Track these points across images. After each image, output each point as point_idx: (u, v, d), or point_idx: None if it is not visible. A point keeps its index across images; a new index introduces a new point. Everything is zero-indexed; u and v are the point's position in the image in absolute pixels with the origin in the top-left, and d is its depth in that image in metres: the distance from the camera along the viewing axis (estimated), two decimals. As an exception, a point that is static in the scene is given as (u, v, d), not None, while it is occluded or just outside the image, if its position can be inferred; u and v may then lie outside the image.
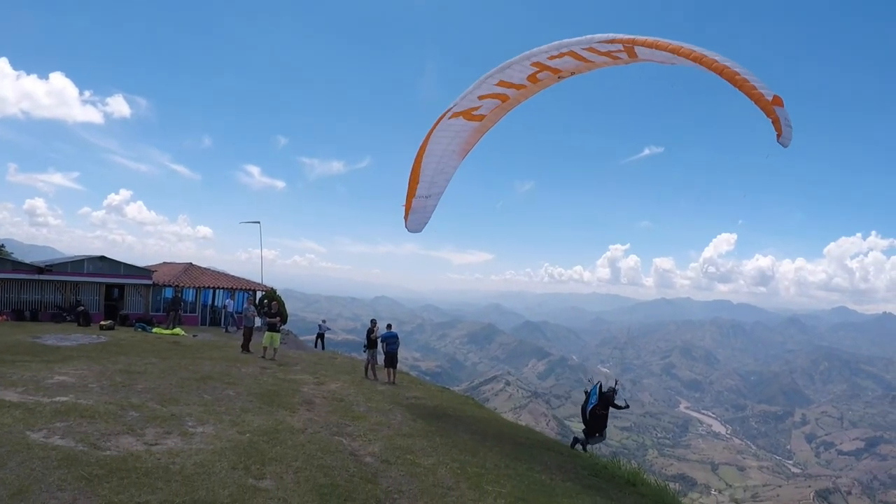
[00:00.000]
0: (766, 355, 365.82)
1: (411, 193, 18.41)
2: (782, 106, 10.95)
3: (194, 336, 37.63)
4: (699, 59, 11.74)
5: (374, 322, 29.08)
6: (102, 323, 37.71)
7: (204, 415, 15.44)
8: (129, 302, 44.82)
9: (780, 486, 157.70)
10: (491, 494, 12.33)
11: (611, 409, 19.88)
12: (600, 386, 19.79)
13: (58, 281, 42.17)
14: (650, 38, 12.56)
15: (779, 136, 11.03)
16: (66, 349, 25.22)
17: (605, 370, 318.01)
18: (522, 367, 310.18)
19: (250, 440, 13.53)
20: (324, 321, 47.96)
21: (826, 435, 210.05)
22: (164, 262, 56.44)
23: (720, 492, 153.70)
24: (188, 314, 46.92)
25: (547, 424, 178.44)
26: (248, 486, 10.40)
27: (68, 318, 40.57)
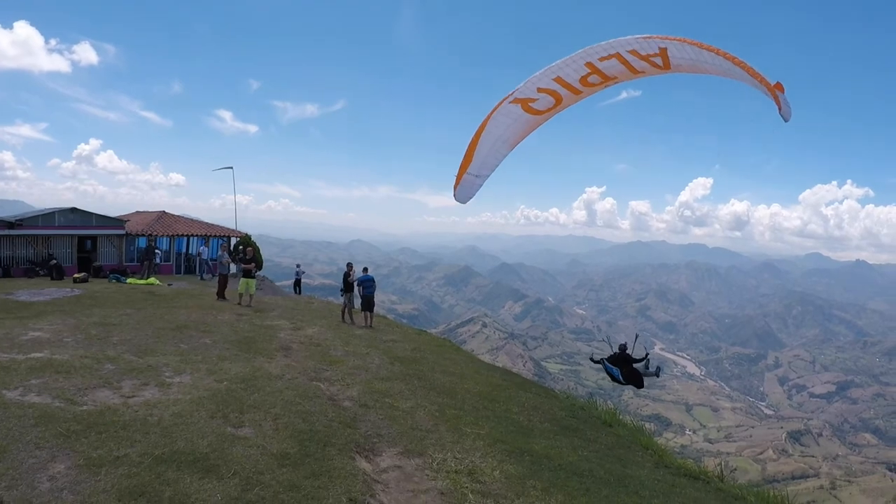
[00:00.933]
0: (741, 299, 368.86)
1: (464, 168, 18.45)
2: (783, 91, 12.49)
3: (169, 285, 37.35)
4: (724, 55, 12.97)
5: (350, 266, 28.98)
6: (76, 276, 37.16)
7: (181, 364, 15.33)
8: (102, 253, 44.30)
9: (752, 427, 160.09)
10: (469, 436, 12.46)
11: (635, 364, 19.03)
12: (614, 355, 18.97)
13: (29, 235, 41.29)
14: (678, 38, 13.48)
15: (780, 110, 12.58)
16: (39, 304, 24.87)
17: (580, 311, 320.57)
18: (499, 308, 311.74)
19: (228, 388, 13.48)
20: (299, 266, 47.80)
21: (798, 378, 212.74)
22: (137, 212, 55.72)
23: (694, 432, 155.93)
24: (162, 263, 46.63)
25: (524, 365, 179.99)
26: (226, 435, 10.39)
27: (41, 272, 39.86)
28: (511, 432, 13.45)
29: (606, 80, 15.47)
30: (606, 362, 18.68)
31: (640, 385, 18.72)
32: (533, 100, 16.23)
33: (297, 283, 45.73)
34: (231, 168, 53.87)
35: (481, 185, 19.44)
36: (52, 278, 37.79)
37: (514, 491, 9.77)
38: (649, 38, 13.77)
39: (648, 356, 19.39)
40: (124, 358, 15.51)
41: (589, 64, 15.03)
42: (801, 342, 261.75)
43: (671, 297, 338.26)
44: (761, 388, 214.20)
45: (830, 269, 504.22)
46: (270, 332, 21.79)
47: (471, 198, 19.46)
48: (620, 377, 18.44)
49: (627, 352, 18.67)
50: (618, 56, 14.51)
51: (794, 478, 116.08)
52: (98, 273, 41.31)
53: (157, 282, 38.31)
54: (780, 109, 12.67)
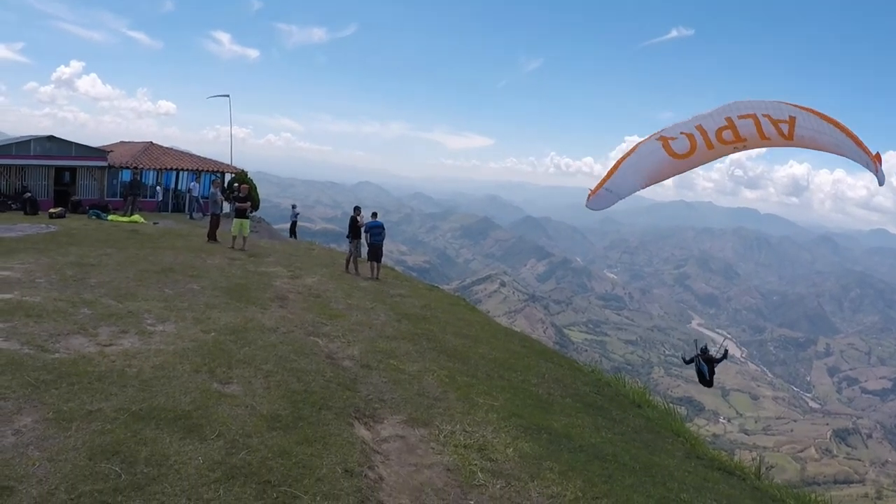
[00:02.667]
0: (792, 274, 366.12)
1: (602, 182, 19.24)
2: (881, 162, 14.30)
3: (155, 223, 37.44)
4: (841, 127, 14.40)
5: (358, 209, 28.81)
6: (52, 210, 37.16)
7: (164, 311, 15.33)
8: (81, 187, 44.19)
9: (795, 421, 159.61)
10: (482, 407, 12.45)
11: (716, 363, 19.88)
12: (699, 355, 19.85)
13: (1, 165, 41.39)
14: (806, 108, 14.90)
15: (878, 180, 14.45)
16: (10, 241, 24.75)
17: (611, 276, 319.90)
18: (520, 266, 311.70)
19: (216, 340, 13.50)
20: (294, 206, 47.72)
21: (851, 370, 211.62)
22: (122, 142, 55.64)
23: (729, 420, 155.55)
24: (148, 199, 46.60)
25: (544, 332, 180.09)
26: (212, 392, 10.41)
27: (13, 206, 39.62)
28: (528, 406, 13.45)
29: (738, 139, 16.44)
30: (701, 360, 19.32)
31: (711, 384, 20.02)
32: (672, 139, 17.32)
33: (293, 227, 45.82)
34: (227, 96, 53.63)
35: (613, 203, 20.38)
36: (26, 213, 37.82)
37: (528, 472, 9.77)
38: (780, 103, 15.01)
39: (727, 355, 20.48)
40: (102, 302, 15.47)
41: (728, 119, 16.04)
42: (857, 329, 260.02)
43: (714, 267, 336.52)
44: (808, 378, 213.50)
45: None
46: (265, 280, 21.89)
47: (601, 209, 20.55)
48: (708, 376, 19.09)
49: (710, 353, 19.68)
50: (754, 117, 15.58)
51: (836, 482, 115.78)
52: (76, 208, 41.25)
53: (142, 219, 38.35)
54: (878, 180, 14.33)
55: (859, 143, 14.10)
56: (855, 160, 14.60)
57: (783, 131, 15.30)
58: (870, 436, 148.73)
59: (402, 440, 10.24)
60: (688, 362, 20.70)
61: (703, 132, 16.79)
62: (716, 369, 19.56)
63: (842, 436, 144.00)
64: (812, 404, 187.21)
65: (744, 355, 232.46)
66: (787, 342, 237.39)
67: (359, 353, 14.56)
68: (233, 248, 29.04)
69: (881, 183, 14.31)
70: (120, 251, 24.08)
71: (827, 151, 15.29)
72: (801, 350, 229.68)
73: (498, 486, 9.08)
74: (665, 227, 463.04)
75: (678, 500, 10.18)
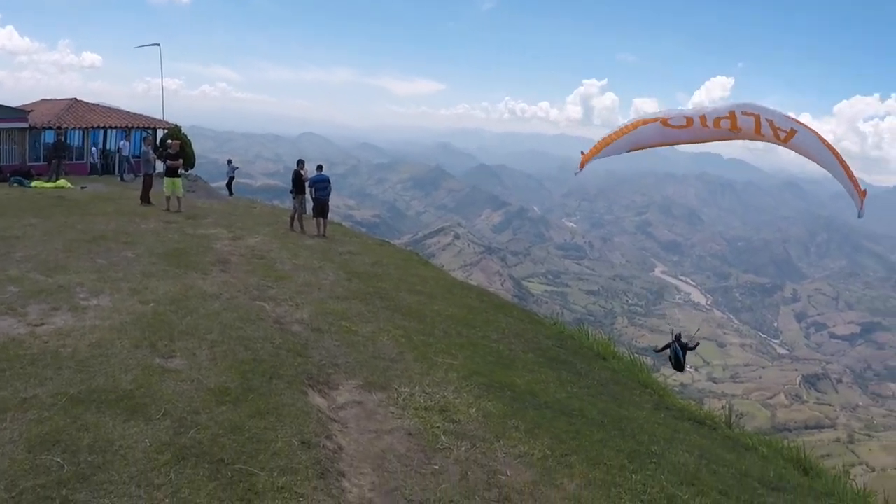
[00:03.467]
0: (757, 220, 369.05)
1: (596, 151, 19.13)
2: (865, 197, 15.73)
3: (83, 188, 36.76)
4: (836, 155, 16.00)
5: (301, 163, 28.68)
6: (-33, 180, 36.49)
7: (98, 283, 15.05)
8: (0, 152, 43.37)
9: (763, 368, 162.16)
10: (441, 367, 12.50)
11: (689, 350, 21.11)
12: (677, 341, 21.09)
13: None
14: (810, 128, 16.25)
15: (859, 213, 15.65)
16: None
17: (570, 224, 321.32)
18: (474, 217, 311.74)
19: (155, 311, 13.32)
20: (231, 161, 47.08)
21: (818, 315, 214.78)
22: (43, 100, 54.42)
23: (696, 369, 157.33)
24: (74, 162, 45.76)
25: (502, 285, 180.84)
26: (155, 368, 10.28)
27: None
28: (489, 363, 13.51)
29: (734, 128, 17.19)
30: (677, 344, 20.23)
31: (683, 370, 21.27)
32: (671, 118, 17.98)
33: (230, 184, 45.36)
34: (158, 45, 52.64)
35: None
36: (-63, 182, 36.91)
37: (493, 432, 9.82)
38: (787, 117, 16.05)
39: (695, 347, 22.59)
40: (30, 277, 15.13)
41: (732, 112, 16.88)
42: (824, 274, 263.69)
43: (677, 213, 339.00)
44: (775, 324, 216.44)
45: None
46: (205, 243, 21.67)
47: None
48: (683, 360, 19.96)
49: (683, 340, 20.55)
50: (756, 117, 16.48)
51: (807, 427, 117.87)
52: (-6, 176, 40.29)
53: (69, 184, 37.63)
54: (858, 214, 15.70)
55: (851, 176, 15.72)
56: (842, 185, 15.98)
57: (780, 136, 16.19)
58: (839, 381, 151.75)
59: (360, 406, 10.25)
60: (659, 350, 21.72)
61: (703, 118, 17.45)
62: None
63: (811, 381, 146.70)
64: (780, 350, 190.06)
65: (709, 302, 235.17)
66: (753, 288, 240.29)
67: (308, 317, 14.51)
68: (168, 210, 28.64)
69: (860, 216, 15.58)
70: (46, 220, 23.38)
71: (816, 163, 16.47)
72: (768, 296, 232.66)
73: (463, 449, 9.13)
74: (625, 173, 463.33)
75: (649, 453, 10.28)
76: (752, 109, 16.56)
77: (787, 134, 16.04)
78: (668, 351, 20.51)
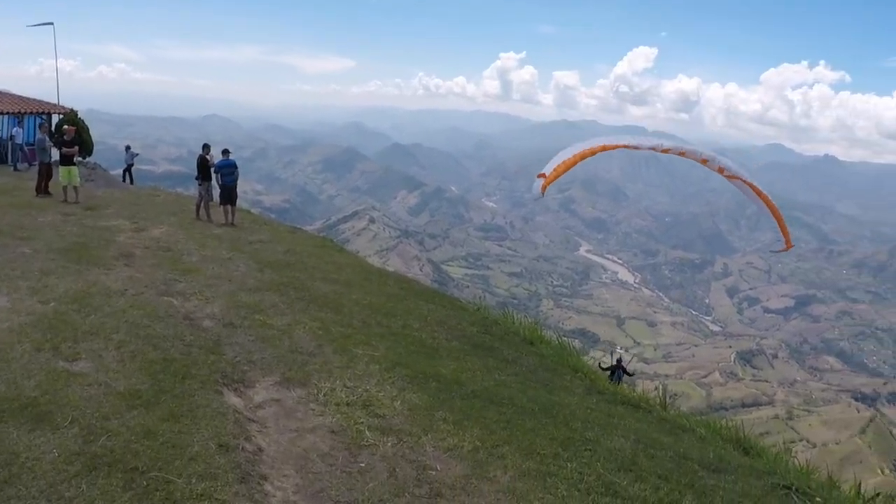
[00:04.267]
0: (685, 194, 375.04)
1: (553, 178, 21.48)
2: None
3: (-29, 179, 36.13)
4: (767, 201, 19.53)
5: (206, 147, 28.36)
6: None
7: (-8, 282, 14.75)
8: None
9: (696, 346, 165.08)
10: (362, 359, 12.47)
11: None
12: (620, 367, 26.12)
13: None
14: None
15: (788, 248, 19.52)
16: None
17: (490, 204, 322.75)
18: (390, 200, 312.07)
19: (56, 311, 13.04)
20: (129, 147, 46.32)
21: (751, 289, 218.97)
22: (-76, 85, 53.27)
23: (627, 350, 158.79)
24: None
25: (421, 269, 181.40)
26: (59, 372, 10.08)
27: None
28: (412, 353, 13.55)
29: (664, 150, 20.86)
30: (620, 370, 25.45)
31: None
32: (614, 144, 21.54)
33: (128, 170, 44.69)
34: (52, 24, 51.77)
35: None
36: None
37: (419, 425, 9.84)
38: (723, 171, 19.87)
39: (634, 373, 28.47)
40: (-85, 278, 14.77)
41: (665, 149, 20.75)
42: (756, 248, 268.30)
43: (601, 189, 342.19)
44: (707, 301, 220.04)
45: (793, 163, 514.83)
46: (107, 236, 21.32)
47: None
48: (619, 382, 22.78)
49: (624, 365, 26.15)
50: (685, 153, 20.15)
51: (744, 405, 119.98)
52: None
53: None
54: (785, 246, 19.24)
55: (782, 226, 19.01)
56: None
57: (712, 168, 19.42)
58: (775, 356, 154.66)
59: (279, 404, 10.21)
60: (604, 370, 24.69)
61: (636, 146, 20.47)
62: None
63: (746, 358, 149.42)
64: (713, 327, 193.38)
65: (637, 281, 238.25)
66: (682, 264, 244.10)
67: (220, 311, 14.39)
68: (66, 201, 28.14)
69: (773, 251, 18.12)
70: (-68, 216, 23.02)
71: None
72: (698, 272, 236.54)
73: (389, 444, 9.15)
74: (546, 150, 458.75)
75: (583, 440, 10.38)
76: (685, 150, 19.37)
77: (717, 171, 19.24)
78: (608, 373, 23.84)
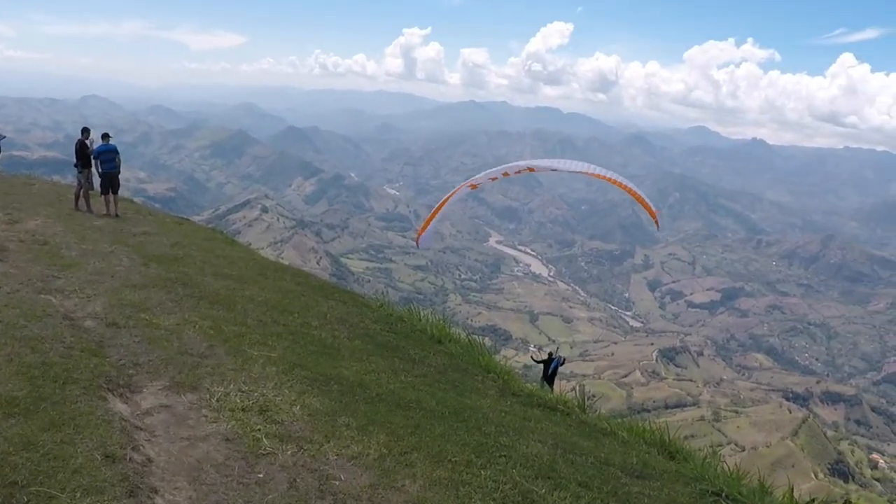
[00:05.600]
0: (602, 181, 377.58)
1: (428, 222, 24.65)
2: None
3: None
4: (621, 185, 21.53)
5: (86, 132, 27.97)
6: None
7: None
8: None
9: (615, 343, 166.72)
10: (258, 361, 12.42)
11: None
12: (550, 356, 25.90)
13: None
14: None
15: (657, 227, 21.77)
16: None
17: (393, 192, 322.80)
18: (284, 187, 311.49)
19: (-81, 312, 12.79)
20: None
21: (674, 282, 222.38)
22: None
23: (541, 348, 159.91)
24: None
25: (318, 263, 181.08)
26: (-75, 379, 9.84)
27: None
28: (312, 353, 13.57)
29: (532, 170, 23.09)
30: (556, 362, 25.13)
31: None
32: (478, 180, 23.94)
33: None
34: None
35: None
36: None
37: (321, 432, 9.84)
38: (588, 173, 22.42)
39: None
40: None
41: (530, 168, 22.62)
42: (679, 238, 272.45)
43: (512, 177, 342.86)
44: (626, 295, 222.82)
45: (719, 147, 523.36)
46: (-26, 228, 20.98)
47: (430, 247, 24.83)
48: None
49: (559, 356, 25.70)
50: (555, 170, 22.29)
51: (668, 406, 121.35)
52: None
53: None
54: (657, 227, 21.46)
55: (647, 207, 21.36)
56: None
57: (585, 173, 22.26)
58: (700, 353, 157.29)
59: (168, 410, 10.12)
60: (539, 362, 26.60)
61: (505, 173, 23.05)
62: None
63: (669, 356, 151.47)
64: (633, 323, 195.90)
65: (552, 274, 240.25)
66: (600, 256, 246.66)
67: (102, 309, 14.19)
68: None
69: (658, 228, 20.50)
70: None
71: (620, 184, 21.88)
72: (617, 264, 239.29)
73: (289, 453, 9.13)
74: (453, 133, 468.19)
75: (498, 446, 10.48)
76: (548, 166, 22.32)
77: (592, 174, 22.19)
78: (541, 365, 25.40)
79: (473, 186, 23.80)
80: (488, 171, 23.29)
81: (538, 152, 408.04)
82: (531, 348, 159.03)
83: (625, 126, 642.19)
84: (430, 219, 23.76)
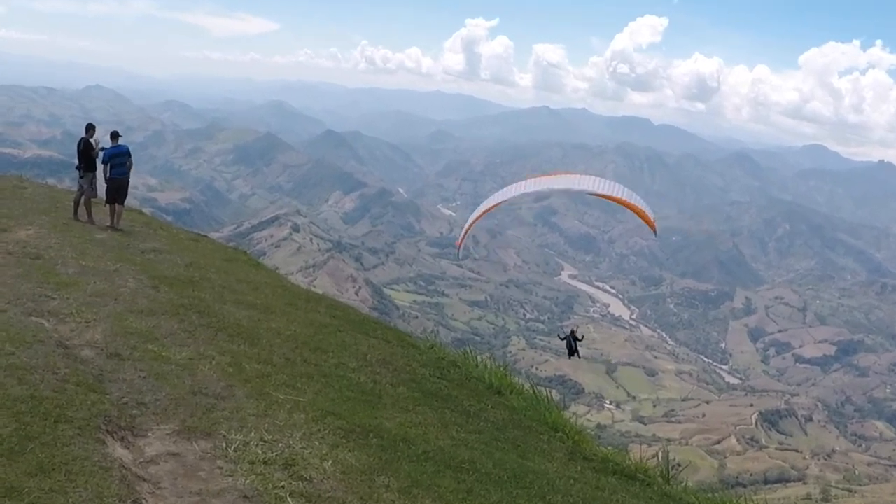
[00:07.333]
0: (697, 206, 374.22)
1: (469, 228, 28.22)
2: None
3: None
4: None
5: (91, 129, 27.90)
6: None
7: None
8: None
9: (707, 403, 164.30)
10: (284, 406, 12.47)
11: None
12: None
13: None
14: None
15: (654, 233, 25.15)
16: None
17: (447, 212, 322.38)
18: (319, 203, 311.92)
19: None
20: None
21: (780, 332, 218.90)
22: None
23: (619, 405, 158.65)
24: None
25: (357, 293, 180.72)
26: None
27: None
28: (348, 400, 13.58)
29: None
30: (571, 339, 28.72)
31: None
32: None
33: None
34: None
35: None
36: None
37: (356, 493, 9.82)
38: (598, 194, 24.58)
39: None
40: None
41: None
42: (787, 278, 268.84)
43: (590, 198, 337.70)
44: (722, 345, 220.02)
45: (839, 170, 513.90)
46: (-45, 237, 21.20)
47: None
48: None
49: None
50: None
51: (767, 480, 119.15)
52: None
53: None
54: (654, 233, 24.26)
55: (642, 215, 23.37)
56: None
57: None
58: (809, 418, 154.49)
59: (177, 459, 10.14)
60: (563, 339, 29.68)
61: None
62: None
63: (771, 420, 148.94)
64: (730, 379, 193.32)
65: (634, 316, 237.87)
66: (692, 297, 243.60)
67: (103, 338, 14.25)
68: None
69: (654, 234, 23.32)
70: None
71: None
72: (713, 307, 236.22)
73: (317, 517, 9.12)
74: (521, 144, 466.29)
75: (564, 519, 10.43)
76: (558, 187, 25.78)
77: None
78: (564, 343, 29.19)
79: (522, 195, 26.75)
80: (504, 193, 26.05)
81: (622, 170, 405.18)
82: (606, 404, 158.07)
83: (726, 142, 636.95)
84: (472, 224, 27.35)
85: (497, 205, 26.48)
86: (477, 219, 26.47)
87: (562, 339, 31.98)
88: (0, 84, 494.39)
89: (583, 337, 32.49)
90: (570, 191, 25.70)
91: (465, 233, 27.81)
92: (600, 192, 24.02)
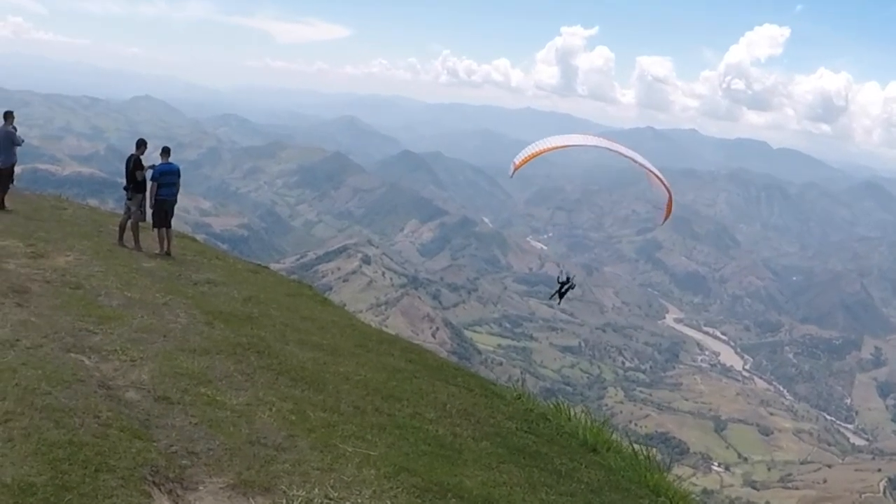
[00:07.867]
0: (822, 242, 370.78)
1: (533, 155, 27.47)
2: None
3: None
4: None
5: (143, 145, 28.13)
6: None
7: None
8: None
9: (829, 467, 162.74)
10: (352, 459, 12.43)
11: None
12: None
13: None
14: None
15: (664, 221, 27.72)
16: None
17: (538, 245, 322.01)
18: (394, 232, 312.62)
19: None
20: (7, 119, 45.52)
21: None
22: None
23: (728, 468, 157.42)
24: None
25: (434, 335, 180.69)
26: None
27: None
28: (424, 455, 13.52)
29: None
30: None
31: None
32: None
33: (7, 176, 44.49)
34: None
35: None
36: None
37: (432, 560, 9.84)
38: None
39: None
40: None
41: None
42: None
43: (700, 231, 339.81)
44: (848, 401, 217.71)
45: None
46: (-12, 263, 21.41)
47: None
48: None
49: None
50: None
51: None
52: None
53: None
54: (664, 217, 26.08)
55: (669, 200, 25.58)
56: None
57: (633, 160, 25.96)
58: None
59: (231, 517, 10.17)
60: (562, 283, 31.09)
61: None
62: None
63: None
64: (855, 440, 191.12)
65: (748, 366, 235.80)
66: (814, 345, 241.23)
67: (150, 378, 14.31)
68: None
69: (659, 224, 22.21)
70: None
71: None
72: (837, 357, 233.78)
73: (389, 585, 9.13)
74: (623, 169, 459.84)
75: None
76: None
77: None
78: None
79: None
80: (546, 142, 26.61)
81: (737, 201, 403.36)
82: (714, 466, 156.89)
83: (854, 169, 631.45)
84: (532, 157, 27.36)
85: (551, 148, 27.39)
86: (536, 153, 26.75)
87: (559, 284, 32.52)
88: (39, 92, 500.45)
89: (574, 286, 32.95)
90: (610, 150, 27.99)
91: (525, 161, 27.43)
92: (638, 160, 26.56)
